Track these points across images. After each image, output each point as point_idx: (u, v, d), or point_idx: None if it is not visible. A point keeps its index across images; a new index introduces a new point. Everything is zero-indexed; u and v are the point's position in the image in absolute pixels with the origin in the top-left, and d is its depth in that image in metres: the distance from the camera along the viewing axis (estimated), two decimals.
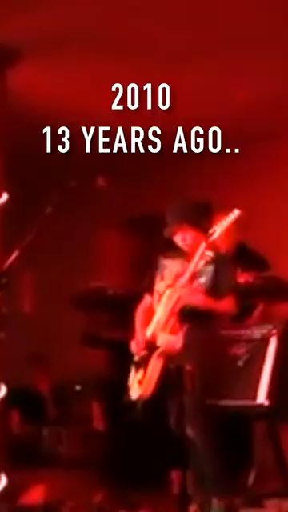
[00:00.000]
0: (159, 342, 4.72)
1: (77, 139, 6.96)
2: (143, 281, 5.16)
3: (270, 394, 4.85)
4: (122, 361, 6.56)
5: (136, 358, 4.88)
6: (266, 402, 4.84)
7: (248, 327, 5.16)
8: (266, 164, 7.11)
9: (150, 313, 4.97)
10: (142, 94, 6.21)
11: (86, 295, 6.64)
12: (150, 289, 5.06)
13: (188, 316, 4.74)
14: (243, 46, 5.52)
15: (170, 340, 4.69)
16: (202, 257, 4.67)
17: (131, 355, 4.96)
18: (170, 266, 4.98)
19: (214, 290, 4.80)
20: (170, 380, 4.64)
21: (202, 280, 4.79)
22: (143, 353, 4.80)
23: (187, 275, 4.72)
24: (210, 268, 4.79)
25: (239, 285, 5.16)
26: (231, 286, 4.90)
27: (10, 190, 5.50)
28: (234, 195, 6.35)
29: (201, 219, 4.80)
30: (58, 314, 7.35)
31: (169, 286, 4.86)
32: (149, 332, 4.87)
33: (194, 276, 4.73)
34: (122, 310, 6.49)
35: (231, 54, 5.62)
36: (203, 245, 4.66)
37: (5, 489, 4.78)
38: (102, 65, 5.74)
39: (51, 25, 5.21)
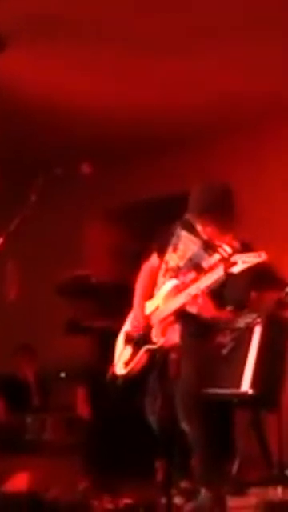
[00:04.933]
0: (155, 339, 4.63)
1: (63, 127, 6.94)
2: (156, 239, 4.94)
3: (254, 383, 4.86)
4: (106, 348, 6.59)
5: (129, 334, 4.81)
6: (250, 391, 4.86)
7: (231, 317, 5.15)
8: (260, 152, 7.10)
9: (153, 279, 4.83)
10: (132, 81, 6.20)
11: (71, 283, 6.63)
12: (159, 250, 4.86)
13: (187, 320, 4.62)
14: (238, 34, 5.51)
15: (167, 340, 4.58)
16: (221, 279, 4.40)
17: (116, 342, 4.92)
18: (184, 240, 4.77)
19: (221, 296, 4.58)
20: (155, 367, 4.64)
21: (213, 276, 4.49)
22: (136, 336, 4.73)
23: (201, 287, 4.42)
24: (221, 270, 4.43)
25: (248, 301, 4.83)
26: (239, 302, 4.67)
27: None
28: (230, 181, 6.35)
29: (223, 217, 4.56)
30: (42, 302, 7.36)
31: (176, 270, 4.70)
32: (148, 310, 4.77)
33: (208, 291, 4.45)
34: (105, 298, 6.51)
35: (226, 44, 5.61)
36: (221, 269, 4.34)
37: None
38: (90, 52, 5.72)
39: (37, 12, 5.18)
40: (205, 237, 4.67)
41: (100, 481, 5.25)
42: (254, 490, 4.76)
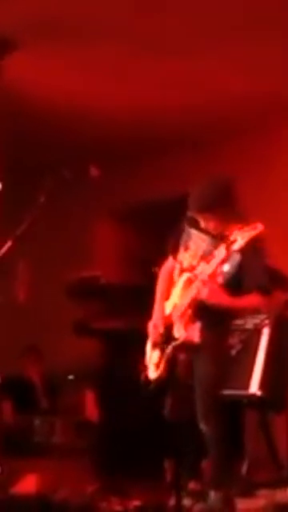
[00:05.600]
0: (177, 335, 4.58)
1: (69, 128, 6.95)
2: (168, 242, 4.98)
3: (263, 384, 4.86)
4: (115, 350, 6.59)
5: (153, 339, 4.76)
6: (259, 392, 4.86)
7: (241, 317, 5.15)
8: (262, 153, 7.10)
9: (171, 281, 4.81)
10: (138, 82, 6.21)
11: (80, 284, 6.63)
12: (174, 252, 4.85)
13: (204, 311, 4.59)
14: (239, 34, 5.51)
15: (189, 336, 4.54)
16: (223, 261, 4.46)
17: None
18: (194, 238, 4.76)
19: (237, 282, 4.56)
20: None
21: (225, 268, 4.53)
22: (160, 338, 4.70)
23: (207, 272, 4.47)
24: (237, 257, 4.51)
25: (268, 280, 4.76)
26: (258, 283, 4.60)
27: (4, 179, 5.48)
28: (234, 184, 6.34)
29: (223, 211, 4.54)
30: (51, 303, 7.36)
31: (191, 269, 4.66)
32: (168, 309, 4.75)
33: (215, 275, 4.48)
34: (114, 299, 6.50)
35: (227, 43, 5.61)
36: (223, 252, 4.40)
37: None
38: (96, 53, 5.73)
39: (45, 13, 5.19)
40: (211, 232, 4.65)
41: (109, 483, 5.24)
42: (262, 492, 4.76)
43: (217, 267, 4.45)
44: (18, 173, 7.04)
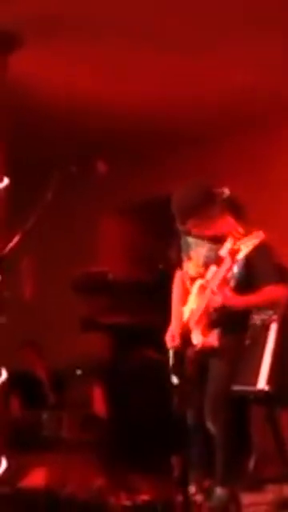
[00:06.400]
0: (195, 341, 4.65)
1: (76, 124, 6.95)
2: (170, 257, 5.06)
3: (271, 380, 4.85)
4: (122, 345, 6.60)
5: (173, 349, 4.81)
6: (267, 388, 4.85)
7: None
8: (262, 152, 7.09)
9: (185, 289, 4.88)
10: (141, 78, 6.20)
11: (87, 280, 6.64)
12: (179, 263, 4.94)
13: (222, 318, 4.66)
14: (240, 33, 5.50)
15: (206, 341, 4.64)
16: (230, 268, 4.54)
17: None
18: (194, 246, 4.85)
19: (249, 280, 4.65)
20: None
21: (232, 283, 4.63)
22: (179, 345, 4.74)
23: (216, 282, 4.56)
24: (236, 270, 4.61)
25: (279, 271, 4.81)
26: (271, 275, 4.67)
27: (11, 175, 5.48)
28: (235, 180, 6.34)
29: (207, 209, 4.66)
30: (58, 299, 7.37)
31: (201, 276, 4.74)
32: (185, 315, 4.80)
33: (225, 283, 4.57)
34: (121, 294, 6.52)
35: (228, 41, 5.60)
36: (228, 261, 4.51)
37: (6, 473, 4.80)
38: (100, 49, 5.73)
39: (48, 10, 5.19)
40: (205, 237, 4.75)
41: (116, 477, 5.25)
42: (269, 487, 4.77)
43: (224, 277, 4.54)
44: (23, 169, 7.04)
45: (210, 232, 4.70)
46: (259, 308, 4.92)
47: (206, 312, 4.65)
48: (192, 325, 4.70)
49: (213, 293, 4.57)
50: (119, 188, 7.43)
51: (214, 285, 4.57)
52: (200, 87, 6.31)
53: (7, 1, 5.07)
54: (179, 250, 4.94)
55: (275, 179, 6.90)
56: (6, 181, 5.49)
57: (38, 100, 6.44)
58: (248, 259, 4.55)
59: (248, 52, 5.74)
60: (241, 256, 4.42)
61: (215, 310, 4.62)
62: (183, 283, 4.94)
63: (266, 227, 6.10)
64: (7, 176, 5.51)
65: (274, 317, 4.95)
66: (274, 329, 4.96)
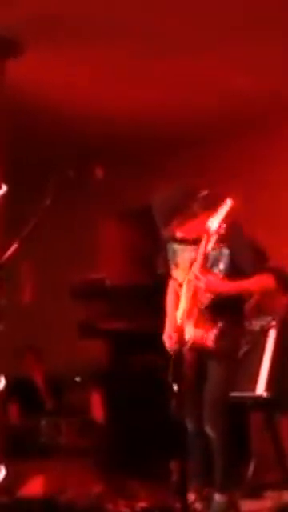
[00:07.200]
0: (187, 336, 4.59)
1: (75, 128, 6.95)
2: (160, 268, 5.06)
3: (269, 386, 4.85)
4: (120, 351, 6.59)
5: (170, 348, 4.78)
6: (265, 394, 4.85)
7: (247, 319, 5.15)
8: (262, 152, 7.09)
9: (178, 297, 4.86)
10: (141, 81, 6.20)
11: (85, 286, 6.64)
12: (167, 271, 4.96)
13: (221, 308, 4.64)
14: (240, 34, 5.50)
15: (197, 334, 4.58)
16: (207, 245, 4.56)
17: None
18: (181, 253, 4.86)
19: (238, 270, 4.64)
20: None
21: (222, 266, 4.66)
22: (175, 347, 4.67)
23: (199, 262, 4.58)
24: (226, 251, 4.65)
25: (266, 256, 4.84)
26: (257, 260, 4.68)
27: (9, 180, 5.48)
28: (235, 181, 6.34)
29: (189, 207, 4.66)
30: (56, 305, 7.36)
31: (187, 275, 4.73)
32: (179, 319, 4.76)
33: (207, 261, 4.61)
34: (119, 300, 6.51)
35: (228, 43, 5.60)
36: (205, 238, 4.54)
37: (4, 480, 4.78)
38: (99, 52, 5.72)
39: (48, 13, 5.18)
40: (189, 238, 4.73)
41: (115, 484, 5.24)
42: (268, 493, 4.77)
43: (204, 256, 4.55)
44: (21, 173, 7.04)
45: (193, 233, 4.68)
46: (258, 314, 4.93)
47: (195, 302, 4.61)
48: (184, 321, 4.64)
49: (196, 278, 4.56)
50: (119, 192, 7.43)
51: (196, 269, 4.56)
52: (200, 89, 6.30)
53: (7, 4, 5.06)
54: (166, 259, 4.94)
55: (275, 179, 6.89)
56: (4, 188, 5.49)
57: (37, 104, 6.43)
58: (231, 251, 4.61)
59: (248, 52, 5.73)
60: (214, 226, 4.43)
61: (203, 296, 4.60)
62: (176, 291, 4.93)
63: (266, 227, 6.12)
64: (5, 182, 5.51)
65: (273, 323, 4.95)
66: (272, 335, 4.97)
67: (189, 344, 4.57)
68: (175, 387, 4.43)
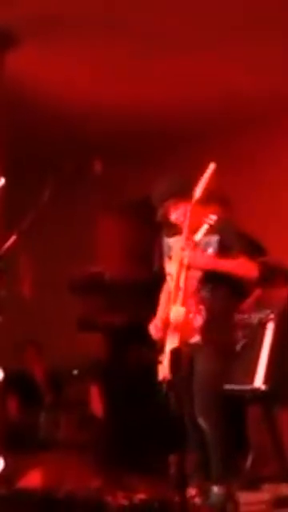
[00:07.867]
0: (171, 317, 4.56)
1: (74, 123, 6.95)
2: (155, 265, 5.08)
3: (267, 379, 4.86)
4: (119, 345, 6.60)
5: (157, 338, 4.77)
6: (263, 387, 4.86)
7: (245, 312, 5.17)
8: (263, 151, 7.11)
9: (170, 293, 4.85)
10: (140, 77, 6.20)
11: (84, 280, 6.64)
12: (161, 266, 4.98)
13: (206, 283, 4.64)
14: (240, 33, 5.51)
15: (179, 312, 4.52)
16: (190, 216, 4.60)
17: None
18: (173, 246, 4.86)
19: (224, 253, 4.67)
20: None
21: (210, 251, 4.68)
22: (161, 333, 4.69)
23: (184, 234, 4.62)
24: (215, 238, 4.68)
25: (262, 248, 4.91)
26: (242, 245, 4.72)
27: (8, 175, 5.48)
28: (234, 179, 6.36)
29: (186, 190, 4.65)
30: (55, 299, 7.36)
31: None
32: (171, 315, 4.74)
33: (192, 235, 4.62)
34: (118, 294, 6.52)
35: (229, 42, 5.61)
36: (189, 207, 4.60)
37: (3, 473, 4.79)
38: (98, 48, 5.73)
39: (46, 8, 5.19)
40: (184, 226, 4.71)
41: (114, 477, 5.24)
42: (266, 486, 4.77)
43: (188, 231, 4.59)
44: (20, 167, 7.04)
45: (186, 217, 4.68)
46: (257, 307, 4.94)
47: (184, 286, 4.58)
48: (171, 303, 4.62)
49: (181, 249, 4.60)
50: (118, 187, 7.44)
51: (182, 241, 4.61)
52: (200, 87, 6.32)
53: (7, 4, 5.07)
54: (162, 255, 4.96)
55: (275, 179, 6.90)
56: (2, 180, 5.49)
57: (36, 100, 6.45)
58: (220, 237, 4.65)
59: (248, 52, 5.75)
60: (197, 195, 4.50)
61: (191, 279, 4.60)
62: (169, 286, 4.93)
63: (266, 227, 6.14)
64: (4, 176, 5.51)
65: (272, 316, 4.96)
66: (271, 328, 4.98)
67: (173, 325, 4.55)
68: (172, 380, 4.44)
